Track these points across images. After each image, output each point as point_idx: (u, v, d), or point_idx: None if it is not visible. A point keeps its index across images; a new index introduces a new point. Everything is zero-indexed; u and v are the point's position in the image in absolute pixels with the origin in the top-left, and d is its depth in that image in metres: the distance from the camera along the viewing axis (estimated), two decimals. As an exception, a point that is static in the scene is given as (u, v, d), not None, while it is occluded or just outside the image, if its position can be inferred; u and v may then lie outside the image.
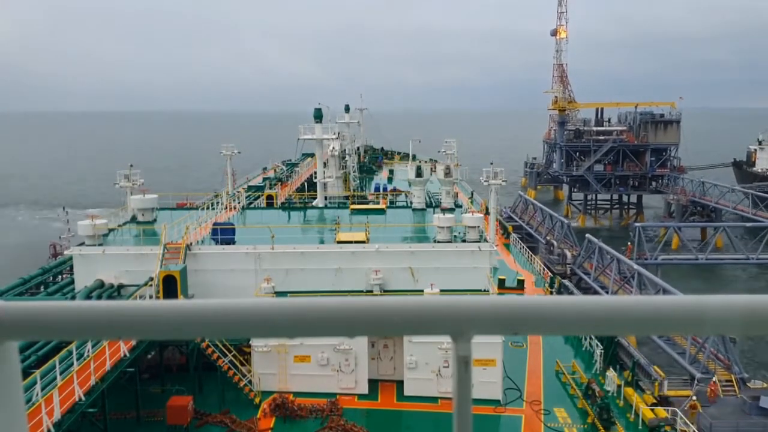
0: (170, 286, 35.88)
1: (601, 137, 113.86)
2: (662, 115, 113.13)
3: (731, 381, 40.44)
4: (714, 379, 39.40)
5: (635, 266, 52.30)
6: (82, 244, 39.54)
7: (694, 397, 37.56)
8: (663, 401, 37.80)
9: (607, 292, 53.74)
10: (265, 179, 73.03)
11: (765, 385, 40.38)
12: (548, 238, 73.54)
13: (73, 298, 36.42)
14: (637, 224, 71.47)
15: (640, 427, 34.65)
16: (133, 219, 45.03)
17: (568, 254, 66.37)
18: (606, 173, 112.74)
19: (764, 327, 1.47)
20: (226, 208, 49.65)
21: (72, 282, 39.74)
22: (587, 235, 63.72)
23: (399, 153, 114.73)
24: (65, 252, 44.65)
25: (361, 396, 36.31)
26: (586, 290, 57.93)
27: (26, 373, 25.29)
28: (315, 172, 64.08)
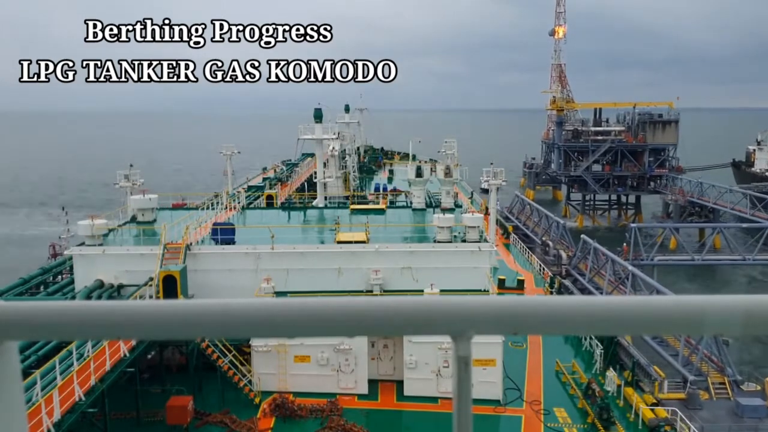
0: (170, 286, 35.89)
1: (600, 137, 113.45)
2: (660, 115, 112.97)
3: (724, 383, 40.17)
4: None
5: (629, 267, 52.17)
6: (82, 244, 39.53)
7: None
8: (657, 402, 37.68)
9: (601, 293, 53.67)
10: (265, 179, 73.09)
11: (759, 387, 40.15)
12: (544, 238, 73.35)
13: (73, 298, 36.42)
14: (632, 225, 71.19)
15: (640, 427, 34.65)
16: (133, 219, 45.03)
17: (564, 255, 66.12)
18: (604, 173, 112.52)
19: (764, 327, 1.47)
20: (226, 208, 49.66)
21: (72, 282, 39.72)
22: (582, 235, 63.31)
23: (399, 153, 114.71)
24: (65, 252, 44.64)
25: (361, 396, 36.30)
26: (581, 291, 57.81)
27: (26, 373, 25.28)
28: (315, 172, 64.13)
